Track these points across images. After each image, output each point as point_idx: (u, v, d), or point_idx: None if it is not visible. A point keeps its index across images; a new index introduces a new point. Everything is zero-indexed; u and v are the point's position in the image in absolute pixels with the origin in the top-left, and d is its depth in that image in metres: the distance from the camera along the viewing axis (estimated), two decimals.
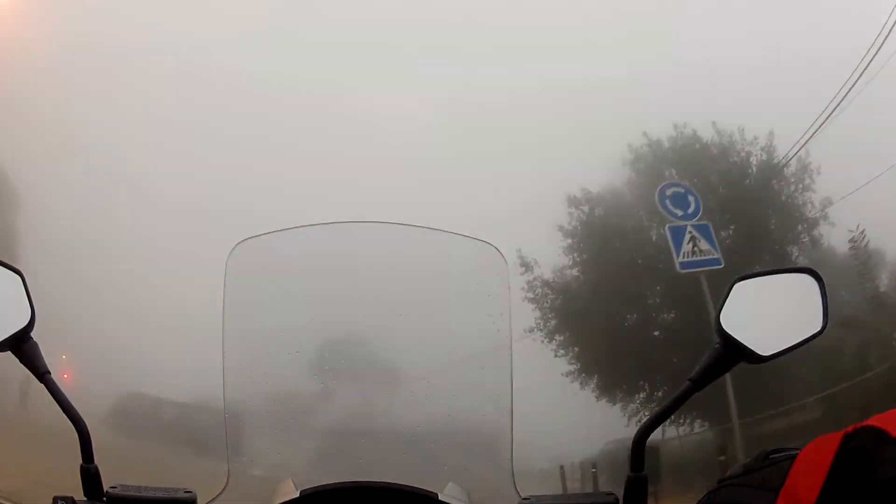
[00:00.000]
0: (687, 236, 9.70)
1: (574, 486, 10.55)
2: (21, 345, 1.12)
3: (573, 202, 13.17)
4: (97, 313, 12.04)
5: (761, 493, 1.03)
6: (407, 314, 1.37)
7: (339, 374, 1.35)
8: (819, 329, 1.07)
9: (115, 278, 12.44)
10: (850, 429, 0.96)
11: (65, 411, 1.11)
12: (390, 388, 1.38)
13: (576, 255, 13.12)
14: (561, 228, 13.15)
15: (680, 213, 10.22)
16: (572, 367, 12.57)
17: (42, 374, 1.12)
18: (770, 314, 1.09)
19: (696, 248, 9.66)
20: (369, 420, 1.40)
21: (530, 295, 12.71)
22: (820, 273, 1.09)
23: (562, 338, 12.75)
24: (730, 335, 1.06)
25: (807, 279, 1.10)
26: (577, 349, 12.70)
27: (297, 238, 1.37)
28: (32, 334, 1.14)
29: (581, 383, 12.51)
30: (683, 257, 9.64)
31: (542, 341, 12.58)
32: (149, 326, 12.06)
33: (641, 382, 12.12)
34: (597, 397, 12.38)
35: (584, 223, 13.13)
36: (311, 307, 1.37)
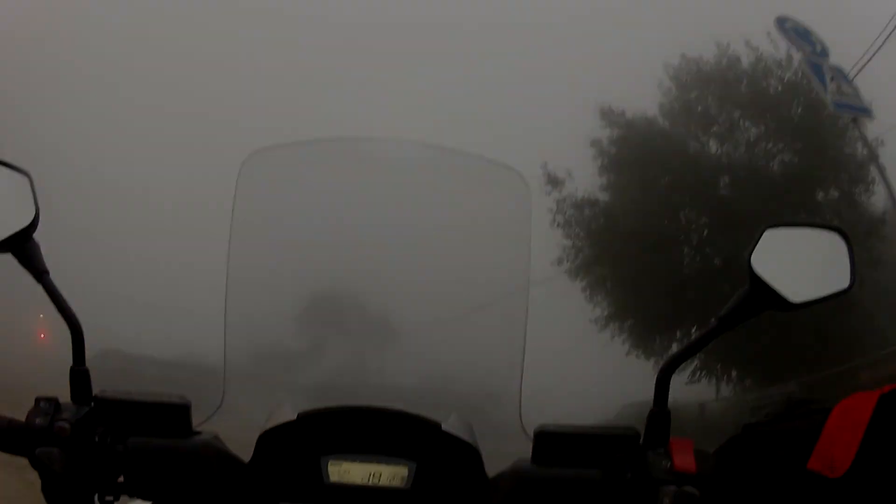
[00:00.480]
0: (828, 74, 9.11)
1: None
2: (23, 244, 1.18)
3: (606, 115, 12.71)
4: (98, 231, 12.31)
5: (791, 444, 1.08)
6: (420, 245, 1.40)
7: (343, 308, 1.40)
8: (847, 286, 1.13)
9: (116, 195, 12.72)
10: (885, 389, 1.01)
11: (60, 311, 1.16)
12: (397, 322, 1.42)
13: (611, 175, 12.83)
14: (595, 143, 12.81)
15: (808, 48, 9.65)
16: (604, 311, 12.51)
17: (40, 272, 1.18)
18: (799, 264, 1.14)
19: (840, 90, 9.08)
20: (372, 355, 1.45)
21: (559, 218, 12.59)
22: (848, 234, 1.15)
23: (593, 270, 12.64)
24: (760, 277, 1.11)
25: (835, 237, 1.15)
26: (609, 284, 12.57)
27: (312, 153, 1.40)
28: (35, 236, 1.19)
29: (617, 327, 12.48)
30: (833, 96, 8.98)
31: (570, 273, 12.51)
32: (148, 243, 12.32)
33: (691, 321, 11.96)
34: (640, 335, 12.33)
35: (620, 139, 12.73)
36: (320, 230, 1.41)
